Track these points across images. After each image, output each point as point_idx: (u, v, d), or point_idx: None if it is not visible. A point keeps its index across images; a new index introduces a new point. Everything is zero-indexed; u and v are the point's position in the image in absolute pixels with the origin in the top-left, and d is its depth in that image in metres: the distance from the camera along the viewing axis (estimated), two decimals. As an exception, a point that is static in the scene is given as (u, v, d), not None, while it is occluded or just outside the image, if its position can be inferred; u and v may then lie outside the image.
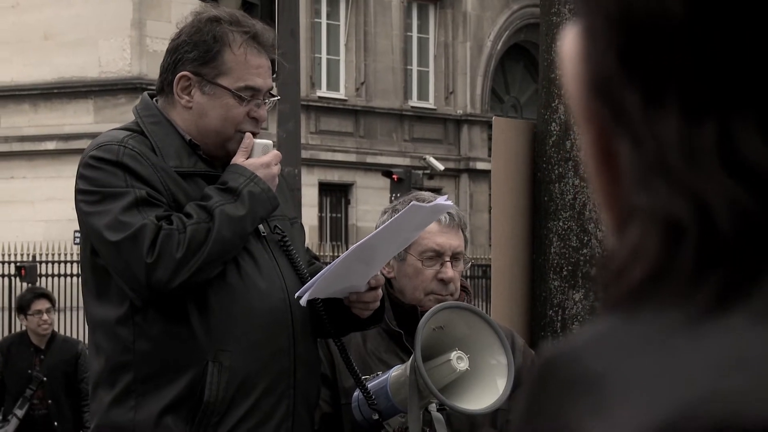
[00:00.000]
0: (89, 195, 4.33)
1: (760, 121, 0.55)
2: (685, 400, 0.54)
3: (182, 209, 4.30)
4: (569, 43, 0.63)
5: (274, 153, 4.50)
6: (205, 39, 4.43)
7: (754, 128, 0.55)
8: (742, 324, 0.55)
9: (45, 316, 11.36)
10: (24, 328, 11.75)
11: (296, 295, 4.29)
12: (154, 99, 4.55)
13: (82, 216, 4.37)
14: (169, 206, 4.31)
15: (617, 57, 0.61)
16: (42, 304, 11.46)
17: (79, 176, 4.38)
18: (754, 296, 0.55)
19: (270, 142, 4.60)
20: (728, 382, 0.53)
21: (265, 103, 4.50)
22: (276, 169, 4.46)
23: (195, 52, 4.43)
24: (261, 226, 4.42)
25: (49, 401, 11.14)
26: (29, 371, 11.12)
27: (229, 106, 4.42)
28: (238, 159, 4.40)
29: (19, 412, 10.97)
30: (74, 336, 17.66)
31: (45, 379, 11.07)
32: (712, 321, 0.56)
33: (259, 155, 4.44)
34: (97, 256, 4.33)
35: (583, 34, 0.64)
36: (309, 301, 4.25)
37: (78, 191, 4.38)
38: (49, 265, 24.89)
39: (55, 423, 11.17)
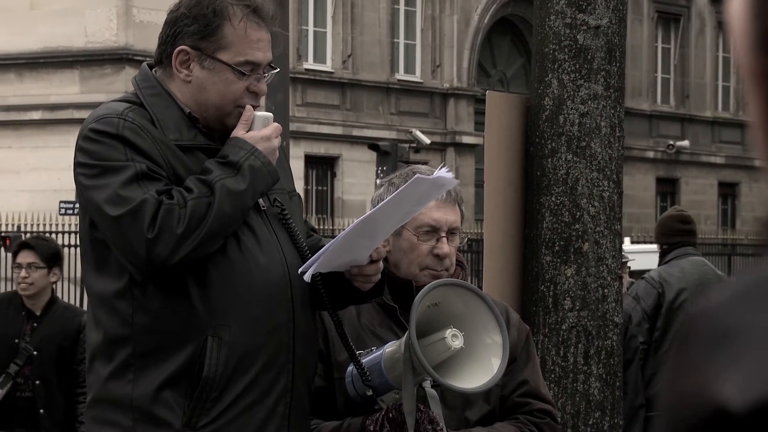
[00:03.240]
0: (89, 168, 4.29)
1: None
2: None
3: (182, 183, 4.27)
4: (737, 3, 0.62)
5: (275, 126, 4.46)
6: (205, 12, 4.38)
7: None
8: None
9: (24, 272, 8.62)
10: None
11: (300, 270, 4.27)
12: (153, 70, 4.50)
13: (81, 189, 4.34)
14: (169, 180, 4.28)
15: None
16: (23, 257, 8.72)
17: (79, 149, 4.34)
18: None
19: (270, 114, 4.55)
20: None
21: (264, 76, 4.47)
22: (276, 142, 4.43)
23: (194, 26, 4.38)
24: (261, 200, 4.39)
25: (37, 382, 8.58)
26: (16, 340, 8.59)
27: (228, 81, 4.38)
28: (239, 132, 4.36)
29: (0, 390, 8.50)
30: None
31: (35, 353, 8.55)
32: None
33: (260, 128, 4.40)
34: (96, 229, 4.31)
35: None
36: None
37: (77, 164, 4.34)
38: (34, 233, 24.73)
39: (41, 410, 8.58)
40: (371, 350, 4.41)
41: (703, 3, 43.94)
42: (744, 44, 0.64)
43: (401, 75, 36.25)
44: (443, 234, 4.59)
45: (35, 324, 8.70)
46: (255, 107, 4.46)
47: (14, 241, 9.05)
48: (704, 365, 0.60)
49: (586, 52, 6.20)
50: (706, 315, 0.62)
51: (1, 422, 8.37)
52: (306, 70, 33.15)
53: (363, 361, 4.36)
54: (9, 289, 9.34)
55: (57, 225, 27.10)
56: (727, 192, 44.87)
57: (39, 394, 8.62)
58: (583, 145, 6.19)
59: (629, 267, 12.05)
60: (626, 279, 10.38)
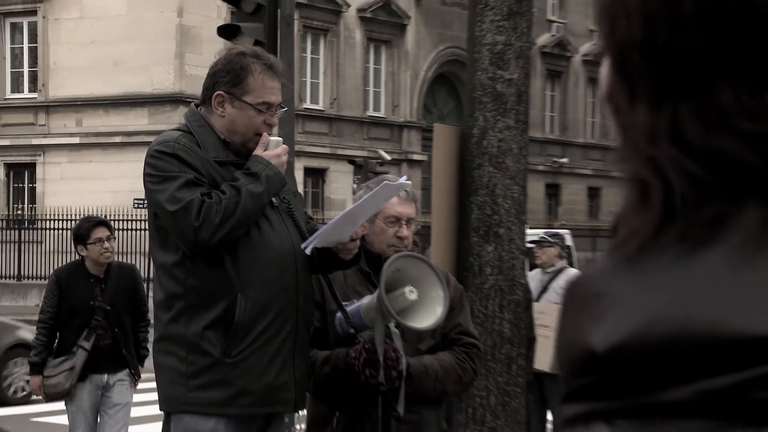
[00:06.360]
0: (153, 177, 4.28)
1: (698, 111, 0.56)
2: (649, 314, 0.54)
3: (219, 187, 4.29)
4: (603, 67, 0.63)
5: (284, 147, 4.47)
6: (235, 68, 4.41)
7: (694, 114, 0.56)
8: (696, 257, 0.55)
9: (106, 244, 7.97)
10: (78, 258, 8.18)
11: (302, 246, 4.30)
12: (198, 108, 4.49)
13: (148, 192, 4.33)
14: (209, 185, 4.29)
15: (616, 74, 0.60)
16: (102, 232, 7.99)
17: (146, 164, 4.34)
18: (703, 233, 0.56)
19: (281, 139, 4.56)
20: (680, 303, 0.53)
21: (276, 113, 4.47)
22: (284, 158, 4.44)
23: (228, 77, 4.40)
24: (274, 199, 4.40)
25: (116, 330, 7.98)
26: (91, 302, 7.91)
27: (251, 116, 4.39)
28: (258, 151, 4.39)
29: (86, 344, 7.86)
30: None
31: (109, 308, 7.93)
32: (673, 256, 0.56)
33: (273, 148, 4.42)
34: (159, 219, 4.31)
35: (605, 64, 0.62)
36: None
37: (146, 174, 4.33)
38: (116, 222, 24.75)
39: (123, 350, 8.02)
40: (353, 302, 4.40)
41: (578, 64, 44.13)
42: (604, 95, 0.65)
43: (371, 112, 36.34)
44: (404, 222, 4.58)
45: (103, 285, 7.98)
46: (269, 134, 4.46)
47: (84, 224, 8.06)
48: (579, 321, 0.60)
49: (502, 96, 6.19)
50: (582, 283, 0.62)
51: (90, 366, 7.89)
52: (305, 108, 33.16)
53: (347, 309, 4.36)
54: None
55: (131, 215, 27.14)
56: (594, 194, 45.05)
57: (119, 338, 7.98)
58: (500, 161, 6.18)
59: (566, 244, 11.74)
60: (554, 252, 10.01)
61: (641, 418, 0.54)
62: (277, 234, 4.34)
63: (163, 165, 4.26)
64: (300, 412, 4.69)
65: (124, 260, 10.48)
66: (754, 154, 0.54)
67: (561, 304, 0.64)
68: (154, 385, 4.45)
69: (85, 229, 8.02)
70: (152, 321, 4.79)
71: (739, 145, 0.54)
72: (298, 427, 10.94)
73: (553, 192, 42.93)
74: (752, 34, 0.54)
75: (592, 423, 0.56)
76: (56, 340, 7.97)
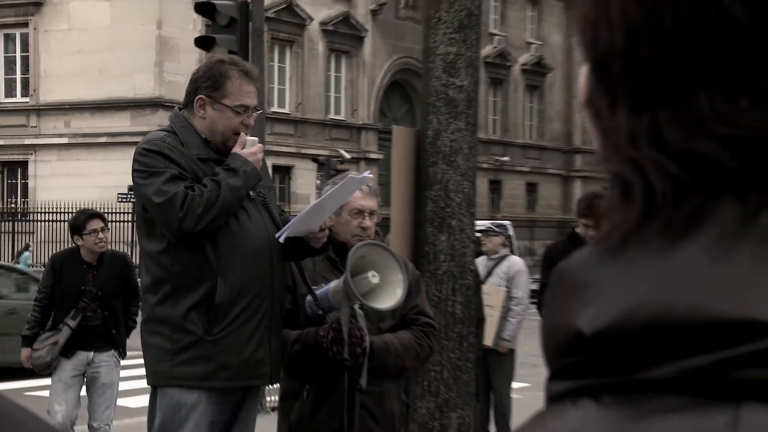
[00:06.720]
0: (142, 173, 4.26)
1: (676, 116, 0.55)
2: (633, 300, 0.54)
3: (201, 182, 4.26)
4: (582, 74, 0.62)
5: (259, 145, 4.45)
6: (215, 74, 4.38)
7: (673, 119, 0.55)
8: (676, 249, 0.55)
9: (101, 235, 7.88)
10: (74, 246, 8.03)
11: (276, 235, 4.28)
12: (181, 110, 4.46)
13: (137, 186, 4.30)
14: (192, 180, 4.26)
15: (597, 81, 0.59)
16: (97, 224, 7.91)
17: (135, 161, 4.31)
18: (682, 228, 0.55)
19: (256, 138, 4.54)
20: (662, 290, 0.53)
21: (251, 115, 4.45)
22: (260, 155, 4.43)
23: (208, 82, 4.38)
24: (251, 192, 4.38)
25: (105, 312, 7.88)
26: (83, 287, 7.81)
27: (229, 117, 4.37)
28: (236, 149, 4.37)
29: (72, 322, 7.76)
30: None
31: (99, 293, 7.82)
32: (654, 248, 0.55)
33: (250, 147, 4.40)
34: (146, 211, 4.28)
35: (583, 72, 0.62)
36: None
37: (134, 170, 4.30)
38: (102, 214, 24.47)
39: (113, 330, 7.90)
40: (321, 286, 4.38)
41: (517, 73, 44.30)
42: (583, 99, 0.63)
43: (332, 115, 36.28)
44: (366, 214, 4.57)
45: (95, 272, 7.89)
46: (246, 134, 4.43)
47: (81, 216, 7.93)
48: (567, 306, 0.58)
49: (454, 101, 6.18)
50: (568, 271, 0.60)
51: (77, 344, 7.83)
52: (273, 112, 33.04)
53: (316, 293, 4.35)
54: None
55: (116, 208, 26.96)
56: (531, 189, 45.26)
57: (108, 320, 7.88)
58: (452, 160, 6.17)
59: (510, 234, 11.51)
60: (499, 240, 9.92)
61: (626, 393, 0.54)
62: (254, 224, 4.32)
63: (150, 161, 4.23)
64: (272, 386, 4.68)
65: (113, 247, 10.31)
66: (730, 155, 0.54)
67: (548, 290, 0.62)
68: (141, 361, 4.42)
69: (81, 220, 7.95)
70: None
71: (716, 147, 0.54)
72: (268, 399, 10.94)
73: (495, 187, 43.07)
74: (728, 46, 0.53)
75: (579, 398, 0.56)
76: (50, 318, 7.95)
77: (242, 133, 4.38)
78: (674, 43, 0.54)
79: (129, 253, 20.91)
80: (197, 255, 4.20)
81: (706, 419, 0.51)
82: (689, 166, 0.54)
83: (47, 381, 8.16)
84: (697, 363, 0.52)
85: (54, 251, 8.58)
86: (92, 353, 7.90)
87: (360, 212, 4.56)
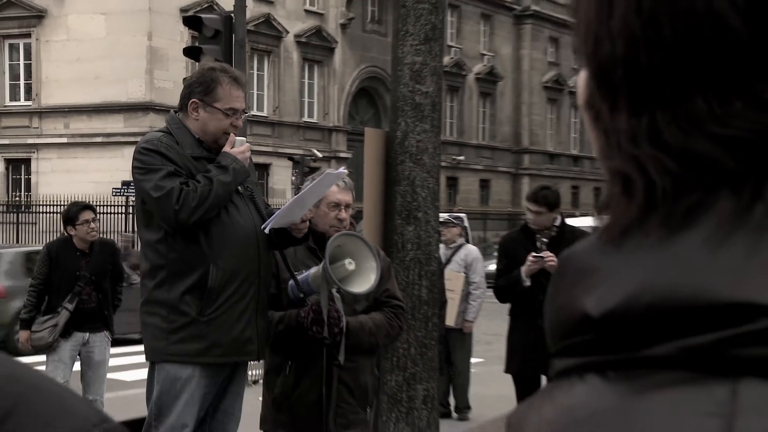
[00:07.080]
0: (141, 170, 4.23)
1: (674, 118, 0.54)
2: (637, 285, 0.53)
3: (194, 178, 4.23)
4: (580, 79, 0.61)
5: (247, 145, 4.43)
6: (207, 80, 4.37)
7: (671, 120, 0.55)
8: (676, 239, 0.54)
9: (92, 224, 7.84)
10: (67, 235, 7.97)
11: (262, 227, 4.25)
12: (176, 113, 4.44)
13: (136, 182, 4.26)
14: (187, 176, 4.23)
15: (597, 87, 0.58)
16: (88, 215, 7.87)
17: (134, 159, 4.28)
18: (682, 220, 0.55)
19: (245, 138, 4.53)
20: (664, 275, 0.53)
21: (240, 117, 4.42)
22: (248, 154, 4.42)
23: (201, 87, 4.36)
24: (240, 187, 4.36)
25: (100, 296, 7.88)
26: (77, 273, 7.79)
27: (220, 119, 4.35)
28: (226, 148, 4.34)
29: (70, 306, 7.74)
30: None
31: (93, 277, 7.82)
32: (656, 238, 0.55)
33: (239, 146, 4.38)
34: (145, 204, 4.25)
35: (582, 76, 0.61)
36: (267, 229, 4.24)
37: (134, 167, 4.27)
38: (97, 207, 24.12)
39: (105, 312, 7.91)
40: (302, 272, 4.36)
41: (472, 81, 44.34)
42: (581, 103, 0.62)
43: (306, 118, 36.13)
44: (342, 207, 4.56)
45: (88, 259, 7.85)
46: (235, 134, 4.41)
47: (73, 208, 7.92)
48: (573, 289, 0.57)
49: (420, 106, 6.17)
50: (574, 258, 0.59)
51: (73, 325, 7.81)
52: (252, 115, 32.82)
53: (298, 278, 4.33)
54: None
55: (110, 202, 26.75)
56: (484, 185, 45.32)
57: (102, 302, 7.88)
58: (419, 158, 6.16)
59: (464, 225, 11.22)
60: (456, 231, 9.87)
61: (630, 369, 0.53)
62: (243, 216, 4.30)
63: (148, 159, 4.21)
64: (258, 362, 4.67)
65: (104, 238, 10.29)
66: (725, 153, 0.53)
67: (553, 276, 0.61)
68: (135, 339, 4.38)
69: (74, 212, 7.88)
70: (129, 284, 4.70)
71: (712, 146, 0.53)
72: (251, 373, 10.90)
73: (452, 183, 43.09)
74: (723, 53, 0.53)
75: (586, 374, 0.55)
76: (45, 302, 7.89)
77: (232, 134, 4.36)
78: (672, 51, 0.54)
79: (120, 242, 20.78)
80: (191, 243, 4.18)
81: (706, 392, 0.51)
82: (687, 163, 0.54)
83: (41, 358, 8.12)
84: (698, 341, 0.51)
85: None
86: (87, 334, 7.89)
87: (337, 205, 4.55)
